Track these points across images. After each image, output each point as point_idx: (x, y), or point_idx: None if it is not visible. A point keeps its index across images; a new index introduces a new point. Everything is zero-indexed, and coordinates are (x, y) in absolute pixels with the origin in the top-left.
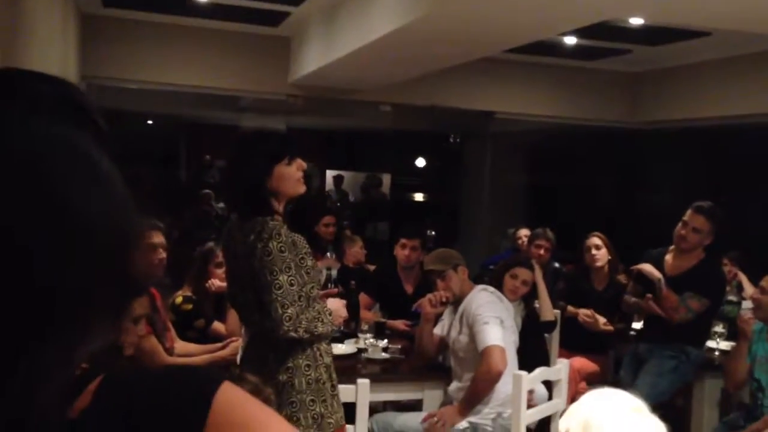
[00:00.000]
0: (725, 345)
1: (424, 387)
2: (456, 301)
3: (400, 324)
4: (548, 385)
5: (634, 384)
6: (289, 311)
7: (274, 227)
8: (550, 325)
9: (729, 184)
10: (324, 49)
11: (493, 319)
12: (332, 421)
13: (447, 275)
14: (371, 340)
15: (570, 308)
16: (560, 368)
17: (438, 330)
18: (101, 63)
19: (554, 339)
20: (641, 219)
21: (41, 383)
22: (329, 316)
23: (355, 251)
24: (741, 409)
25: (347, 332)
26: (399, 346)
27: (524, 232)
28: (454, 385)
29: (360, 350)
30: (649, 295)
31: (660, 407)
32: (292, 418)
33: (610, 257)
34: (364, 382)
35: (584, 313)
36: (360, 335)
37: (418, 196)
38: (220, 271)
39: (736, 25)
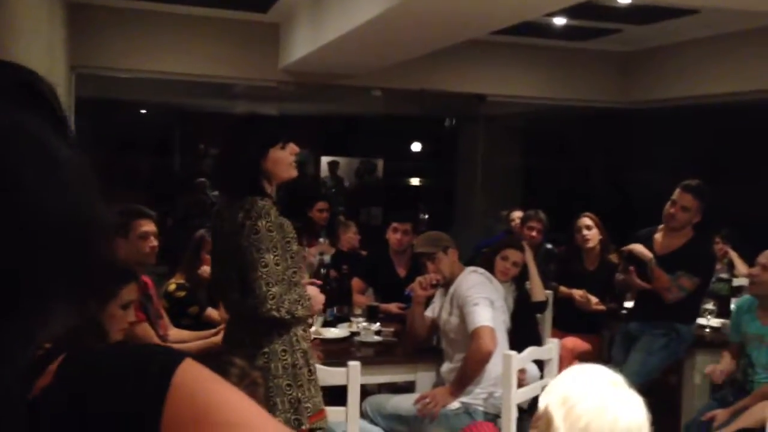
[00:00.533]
0: (716, 322)
1: (416, 369)
2: (446, 283)
3: (393, 307)
4: (540, 364)
5: (625, 362)
6: (273, 290)
7: (263, 207)
8: (541, 306)
9: (722, 162)
10: (312, 35)
11: (482, 300)
12: (309, 405)
13: (437, 257)
14: (364, 323)
15: (562, 289)
16: (551, 347)
17: (429, 312)
18: (90, 52)
19: (547, 319)
20: (635, 199)
21: (3, 363)
22: (308, 302)
23: (349, 236)
24: (732, 385)
25: (340, 316)
26: (392, 329)
27: (517, 214)
28: (445, 367)
29: (353, 334)
30: (632, 268)
31: (652, 384)
32: (269, 403)
33: (601, 237)
34: (354, 365)
35: (577, 293)
36: (352, 319)
37: (412, 181)
38: None
39: (724, 3)
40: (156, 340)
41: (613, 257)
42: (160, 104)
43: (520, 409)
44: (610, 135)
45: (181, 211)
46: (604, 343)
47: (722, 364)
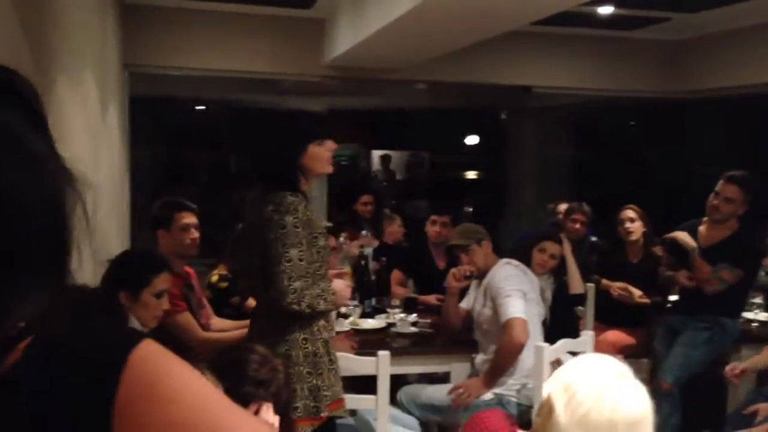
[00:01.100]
0: (764, 316)
1: (451, 360)
2: (481, 275)
3: (431, 299)
4: None
5: (667, 356)
6: (295, 284)
7: (292, 202)
8: (579, 298)
9: None
10: (353, 29)
11: (515, 292)
12: (328, 393)
13: (471, 249)
14: (401, 315)
15: (604, 281)
16: (585, 340)
17: (464, 304)
18: (142, 51)
19: (589, 313)
20: (687, 191)
21: None
22: (332, 296)
23: (394, 229)
24: None
25: (378, 308)
26: (428, 321)
27: (563, 207)
28: (479, 358)
29: (389, 325)
30: (684, 272)
31: (699, 378)
32: (288, 389)
33: (644, 230)
34: (384, 354)
35: (617, 287)
36: (389, 310)
37: (461, 174)
38: None
39: None
40: (197, 328)
41: (658, 249)
42: (214, 101)
43: None
44: (662, 126)
45: (234, 205)
46: (649, 337)
47: (747, 362)
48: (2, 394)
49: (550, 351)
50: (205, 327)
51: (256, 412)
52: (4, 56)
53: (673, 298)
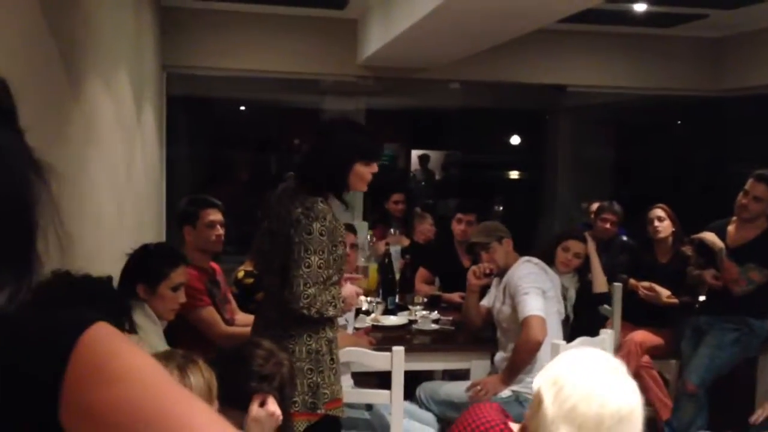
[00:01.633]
0: None
1: (470, 357)
2: (501, 273)
3: (455, 296)
4: None
5: (694, 357)
6: (310, 290)
7: (322, 210)
8: (603, 298)
9: None
10: (383, 29)
11: (533, 290)
12: (327, 392)
13: (491, 247)
14: (423, 312)
15: (632, 281)
16: (603, 338)
17: (485, 301)
18: (180, 52)
19: (616, 312)
20: (727, 190)
21: None
22: (341, 303)
23: (425, 228)
24: None
25: (401, 305)
26: (450, 318)
27: (595, 206)
28: (499, 355)
29: (411, 322)
30: (711, 271)
31: (725, 380)
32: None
33: (673, 229)
34: (398, 350)
35: (643, 287)
36: (410, 307)
37: (498, 173)
38: None
39: None
40: (220, 323)
41: (687, 249)
42: (255, 101)
43: None
44: (701, 125)
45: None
46: (676, 338)
47: None
48: None
49: (568, 349)
50: (229, 322)
51: (261, 405)
52: (30, 56)
53: (702, 298)
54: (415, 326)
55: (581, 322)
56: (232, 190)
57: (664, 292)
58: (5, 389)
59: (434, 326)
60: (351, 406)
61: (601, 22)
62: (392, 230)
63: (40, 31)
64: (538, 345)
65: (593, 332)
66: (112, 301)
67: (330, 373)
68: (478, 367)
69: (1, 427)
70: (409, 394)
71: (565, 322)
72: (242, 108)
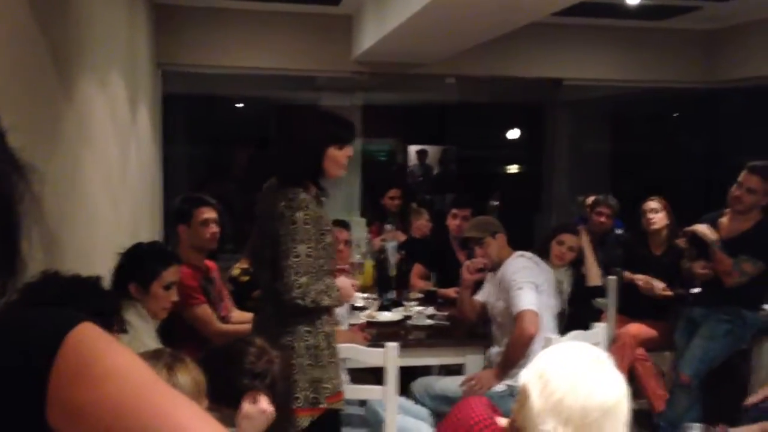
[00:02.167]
0: None
1: (465, 352)
2: (495, 268)
3: (451, 292)
4: None
5: (687, 348)
6: (301, 279)
7: (304, 199)
8: (597, 291)
9: None
10: (377, 25)
11: (527, 284)
12: (328, 386)
13: (485, 242)
14: (418, 307)
15: (627, 274)
16: (597, 331)
17: (480, 296)
18: (175, 50)
19: (611, 305)
20: (725, 181)
21: None
22: (336, 292)
23: (421, 223)
24: None
25: (396, 301)
26: (445, 314)
27: (591, 200)
28: (494, 350)
29: (406, 317)
30: (700, 262)
31: (719, 370)
32: (289, 380)
33: (668, 221)
34: (392, 345)
35: (639, 279)
36: (405, 303)
37: (496, 167)
38: None
39: None
40: (215, 321)
41: (681, 242)
42: (252, 98)
43: None
44: (698, 117)
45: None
46: (671, 330)
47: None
48: None
49: (561, 342)
50: (225, 319)
51: (253, 403)
52: (20, 56)
53: (696, 290)
54: (409, 322)
55: (576, 315)
56: (229, 188)
57: (659, 285)
58: None
59: (429, 322)
60: (346, 402)
61: (596, 15)
62: (388, 226)
63: (31, 31)
64: (531, 339)
65: (588, 325)
66: (100, 301)
67: (330, 367)
68: (473, 361)
69: None
70: (405, 390)
71: (560, 316)
72: (239, 105)
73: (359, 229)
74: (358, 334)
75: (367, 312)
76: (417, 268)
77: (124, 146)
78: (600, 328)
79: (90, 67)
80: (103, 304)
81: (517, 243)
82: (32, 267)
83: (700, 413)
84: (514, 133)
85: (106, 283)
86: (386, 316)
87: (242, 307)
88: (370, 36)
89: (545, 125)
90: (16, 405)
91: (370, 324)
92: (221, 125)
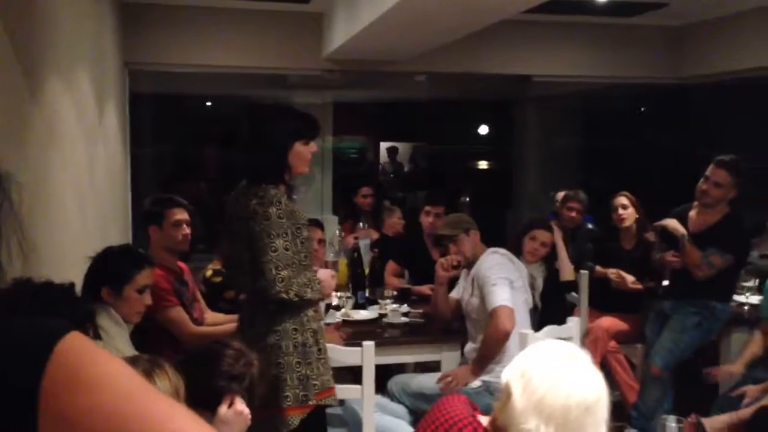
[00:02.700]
0: (755, 299)
1: (441, 349)
2: (469, 265)
3: (425, 289)
4: None
5: (658, 340)
6: (282, 273)
7: (275, 194)
8: (569, 286)
9: None
10: (348, 23)
11: (501, 281)
12: (318, 383)
13: (458, 239)
14: (393, 305)
15: (599, 268)
16: (570, 326)
17: (455, 293)
18: (143, 49)
19: (583, 299)
20: (693, 176)
21: None
22: (318, 285)
23: (394, 221)
24: (765, 362)
25: (371, 299)
26: (420, 311)
27: (561, 195)
28: (469, 346)
29: (381, 316)
30: (671, 252)
31: (689, 362)
32: (279, 378)
33: (637, 216)
34: (369, 345)
35: (611, 272)
36: (380, 301)
37: (468, 164)
38: None
39: None
40: (189, 323)
41: (650, 236)
42: (224, 97)
43: None
44: (667, 112)
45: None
46: (642, 323)
47: (734, 366)
48: None
49: (536, 338)
50: (198, 321)
51: (230, 405)
52: None
53: (665, 283)
54: (385, 320)
55: (549, 310)
56: (199, 187)
57: (630, 278)
58: None
59: (404, 319)
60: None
61: (565, 12)
62: (361, 224)
63: None
64: (506, 335)
65: (561, 320)
66: (74, 308)
67: (318, 364)
68: (449, 358)
69: None
70: (381, 388)
71: (533, 311)
72: (209, 104)
73: (332, 228)
74: (335, 334)
75: (343, 311)
76: (391, 266)
77: (91, 147)
78: (573, 323)
79: (56, 67)
80: (78, 311)
81: (490, 239)
82: (10, 275)
83: (671, 404)
84: (484, 130)
85: (78, 288)
86: (361, 314)
87: (215, 308)
88: (340, 34)
89: (515, 121)
90: (8, 415)
91: (346, 323)
92: (191, 124)
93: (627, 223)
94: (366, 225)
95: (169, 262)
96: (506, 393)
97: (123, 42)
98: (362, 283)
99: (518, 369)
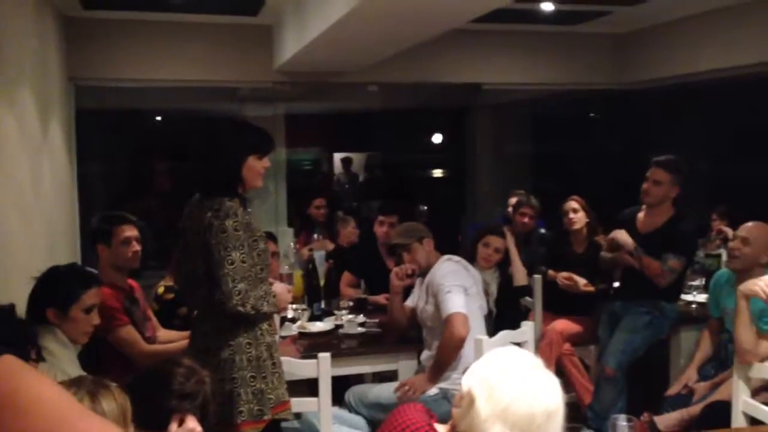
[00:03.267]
0: (702, 298)
1: (398, 358)
2: (423, 273)
3: (381, 299)
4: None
5: (610, 341)
6: (239, 286)
7: (231, 207)
8: (523, 290)
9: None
10: (297, 35)
11: (455, 288)
12: (272, 396)
13: (412, 248)
14: (349, 316)
15: (551, 272)
16: (525, 330)
17: (410, 302)
18: (88, 64)
19: (537, 303)
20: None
21: None
22: (273, 298)
23: (348, 231)
24: (713, 359)
25: (327, 310)
26: (376, 321)
27: (514, 201)
28: (425, 354)
29: (338, 326)
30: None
31: (640, 360)
32: (233, 393)
33: (587, 220)
34: (325, 356)
35: (563, 276)
36: (336, 312)
37: (421, 172)
38: None
39: None
40: (140, 341)
41: (601, 239)
42: (173, 111)
43: None
44: (611, 116)
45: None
46: (595, 325)
47: (688, 372)
48: None
49: (491, 343)
50: (151, 340)
51: (180, 424)
52: None
53: (616, 284)
54: (341, 331)
55: (504, 315)
56: (149, 203)
57: (581, 281)
58: None
59: (360, 330)
60: None
61: (513, 21)
62: (316, 235)
63: None
64: (461, 342)
65: (516, 325)
66: (12, 331)
67: (273, 378)
68: (406, 367)
69: None
70: (339, 399)
71: (488, 317)
72: (158, 118)
73: (287, 240)
74: (291, 347)
75: (299, 323)
76: (346, 277)
77: (35, 164)
78: (528, 327)
79: None
80: (17, 334)
81: (446, 246)
82: None
83: (625, 403)
84: (438, 138)
85: (21, 310)
86: (318, 326)
87: (168, 325)
88: (290, 46)
89: (467, 129)
90: None
91: (302, 335)
92: (140, 139)
93: (577, 227)
94: (320, 236)
95: (119, 281)
96: (469, 399)
97: (68, 57)
98: (318, 295)
99: (480, 376)
